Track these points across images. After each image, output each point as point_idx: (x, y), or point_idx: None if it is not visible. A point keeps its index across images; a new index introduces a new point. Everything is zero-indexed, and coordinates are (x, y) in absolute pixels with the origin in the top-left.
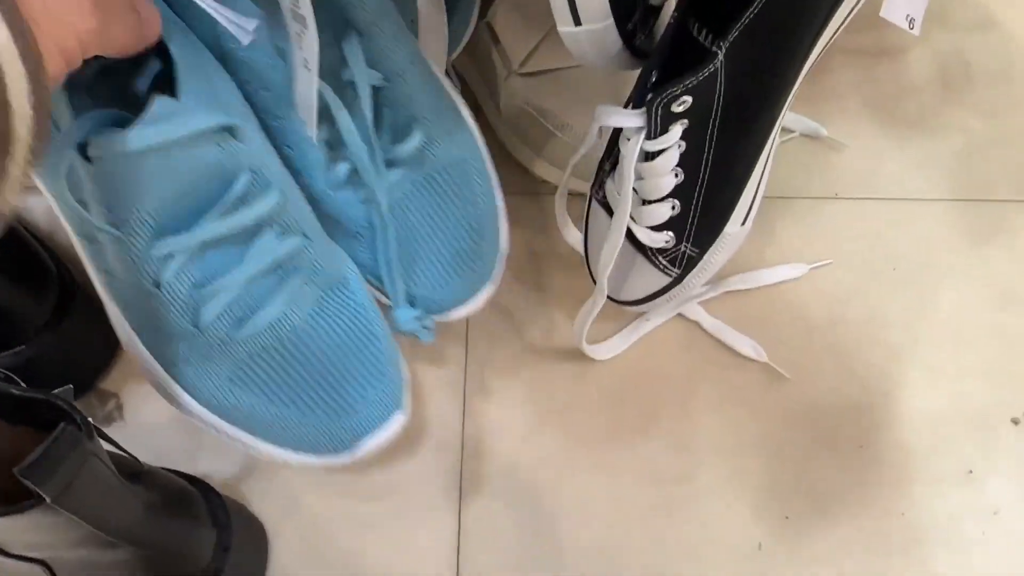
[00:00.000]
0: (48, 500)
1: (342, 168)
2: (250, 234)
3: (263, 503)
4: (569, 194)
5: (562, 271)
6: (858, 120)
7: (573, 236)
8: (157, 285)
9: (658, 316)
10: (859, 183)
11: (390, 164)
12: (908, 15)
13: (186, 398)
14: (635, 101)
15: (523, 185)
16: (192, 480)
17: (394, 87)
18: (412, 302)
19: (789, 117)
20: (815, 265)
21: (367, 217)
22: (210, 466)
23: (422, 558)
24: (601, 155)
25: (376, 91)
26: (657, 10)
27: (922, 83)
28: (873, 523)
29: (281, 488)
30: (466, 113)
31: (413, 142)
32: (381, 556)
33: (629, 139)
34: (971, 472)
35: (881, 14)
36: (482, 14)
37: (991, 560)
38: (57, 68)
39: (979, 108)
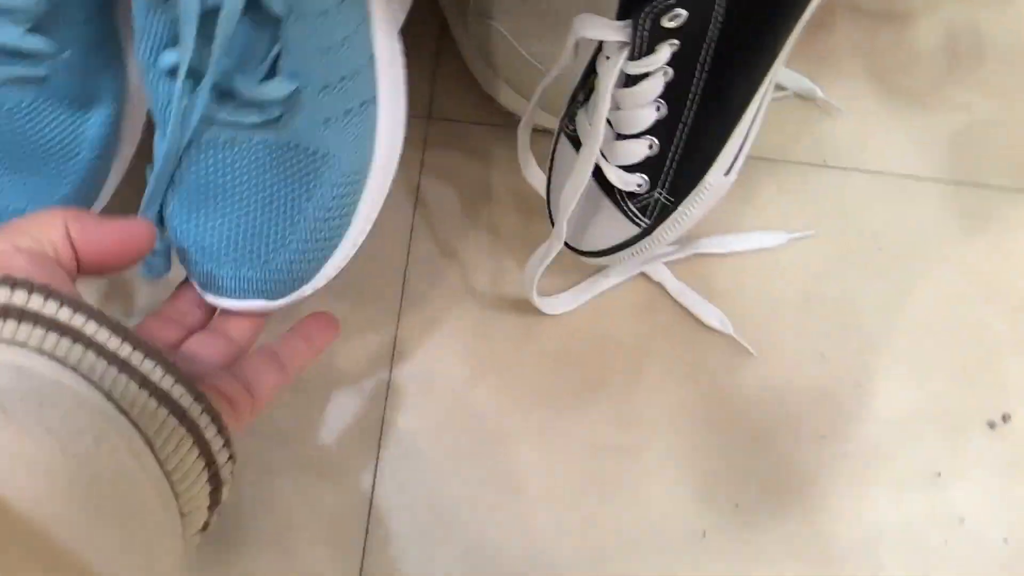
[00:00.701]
0: None
1: (167, 57)
2: None
3: None
4: (536, 131)
5: (519, 214)
6: (855, 85)
7: (535, 175)
8: None
9: (618, 273)
10: (850, 153)
11: (228, 96)
12: None
13: None
14: (619, 14)
15: (485, 115)
16: None
17: (298, 28)
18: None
19: (783, 73)
20: (794, 236)
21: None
22: None
23: (330, 516)
24: (576, 84)
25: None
26: None
27: (928, 53)
28: (827, 522)
29: None
30: (386, 120)
31: (274, 91)
32: (283, 508)
33: (608, 57)
34: (939, 475)
35: None
36: None
37: (950, 572)
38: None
39: (986, 87)
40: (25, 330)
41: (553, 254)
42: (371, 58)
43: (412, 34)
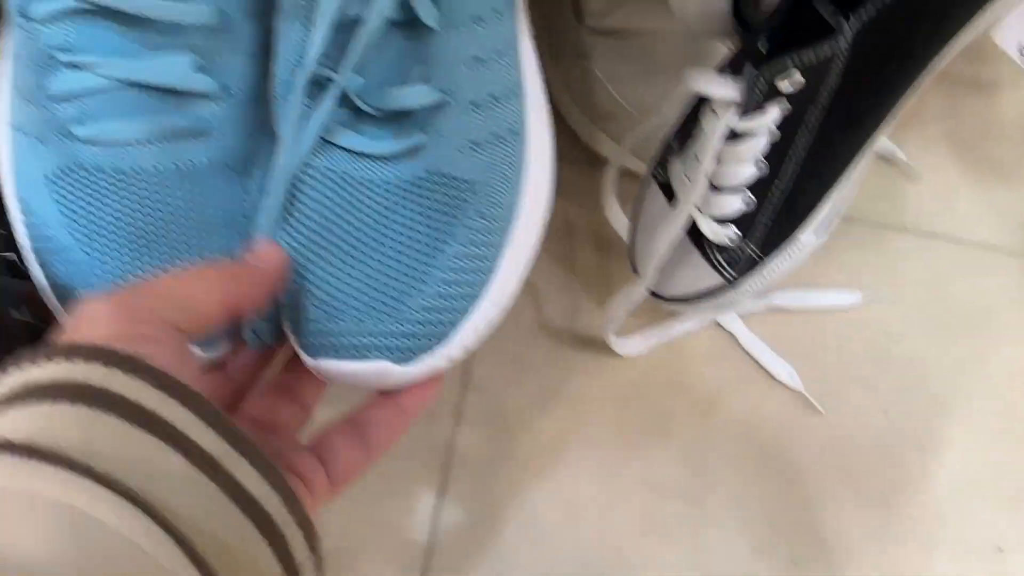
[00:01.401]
0: None
1: (299, 70)
2: (158, 35)
3: None
4: (621, 172)
5: (597, 251)
6: (938, 151)
7: (617, 216)
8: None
9: (693, 320)
10: (929, 218)
11: (362, 114)
12: (1021, 45)
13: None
14: (731, 69)
15: (569, 152)
16: None
17: (447, 36)
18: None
19: None
20: (869, 297)
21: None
22: None
23: (392, 535)
24: (669, 130)
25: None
26: None
27: (1012, 125)
28: None
29: None
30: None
31: (415, 98)
32: (348, 529)
33: (717, 113)
34: (1001, 550)
35: (994, 38)
36: None
37: None
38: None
39: None
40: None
41: (638, 300)
42: (519, 84)
43: None
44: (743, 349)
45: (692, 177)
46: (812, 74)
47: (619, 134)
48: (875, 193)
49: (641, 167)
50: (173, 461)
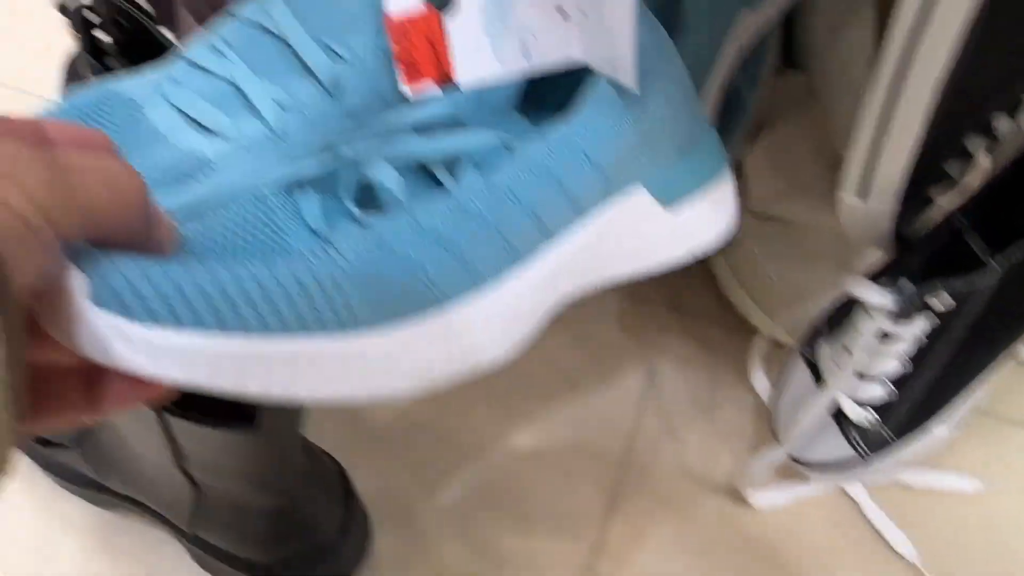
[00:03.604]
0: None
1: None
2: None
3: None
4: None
5: (737, 408)
6: None
7: (760, 382)
8: None
9: (821, 483)
10: None
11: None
12: None
13: None
14: (886, 279)
15: (720, 315)
16: (335, 462)
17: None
18: None
19: None
20: (991, 486)
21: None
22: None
23: None
24: (819, 315)
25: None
26: (932, 202)
27: None
28: None
29: (389, 487)
30: None
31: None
32: None
33: (871, 315)
34: None
35: None
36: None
37: None
38: (19, 242)
39: None
40: None
41: (777, 462)
42: None
43: None
44: (865, 517)
45: (840, 365)
46: (961, 298)
47: (770, 308)
48: (1006, 389)
49: (787, 338)
50: None
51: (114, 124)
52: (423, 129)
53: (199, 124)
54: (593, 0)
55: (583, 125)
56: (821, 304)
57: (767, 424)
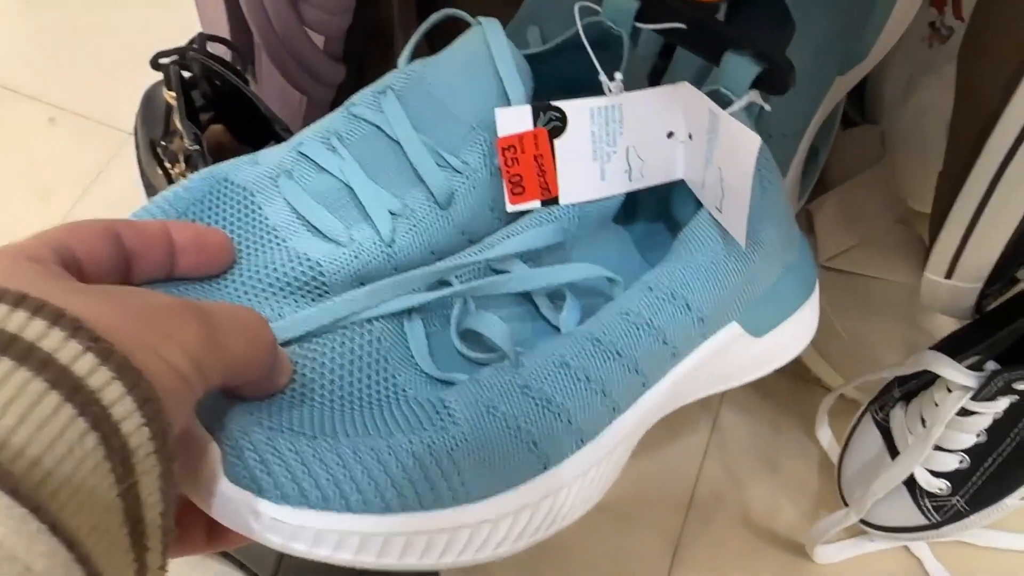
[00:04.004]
0: None
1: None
2: None
3: None
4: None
5: (802, 460)
6: None
7: (826, 436)
8: None
9: (886, 542)
10: None
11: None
12: None
13: None
14: (971, 360)
15: (788, 366)
16: None
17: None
18: None
19: None
20: None
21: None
22: None
23: None
24: (891, 375)
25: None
26: (1017, 281)
27: None
28: None
29: None
30: None
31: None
32: None
33: (951, 392)
34: None
35: None
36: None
37: None
38: (177, 400)
39: None
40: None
41: (844, 526)
42: None
43: None
44: (927, 574)
45: (916, 435)
46: None
47: (836, 360)
48: None
49: (855, 394)
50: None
51: (228, 217)
52: (529, 257)
53: (312, 226)
54: (718, 154)
55: (683, 272)
56: (889, 359)
57: (831, 479)
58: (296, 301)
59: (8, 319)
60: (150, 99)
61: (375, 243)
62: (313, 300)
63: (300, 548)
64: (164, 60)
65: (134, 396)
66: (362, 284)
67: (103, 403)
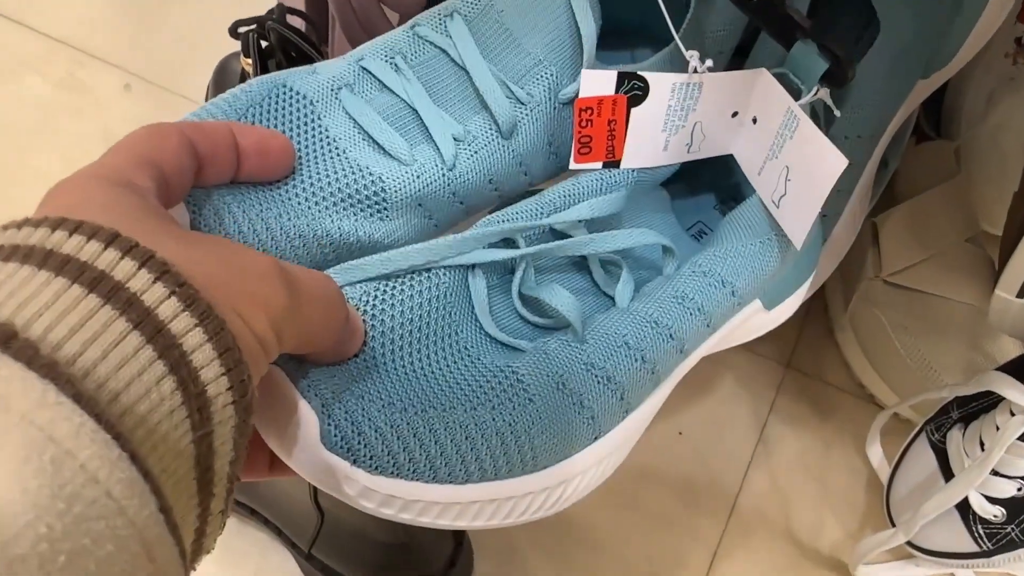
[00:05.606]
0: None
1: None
2: None
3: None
4: (877, 402)
5: (849, 476)
6: None
7: (876, 455)
8: None
9: (931, 568)
10: None
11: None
12: None
13: None
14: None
15: (839, 380)
16: None
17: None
18: None
19: None
20: None
21: None
22: None
23: None
24: (949, 394)
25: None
26: None
27: None
28: None
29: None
30: None
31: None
32: None
33: (1015, 416)
34: None
35: None
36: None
37: None
38: (254, 362)
39: None
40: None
41: (892, 545)
42: None
43: None
44: None
45: (974, 459)
46: None
47: (894, 380)
48: None
49: (909, 413)
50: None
51: (287, 122)
52: (588, 223)
53: (374, 140)
54: (789, 154)
55: (735, 260)
56: (947, 381)
57: (879, 498)
58: (355, 215)
59: (99, 257)
60: (223, 69)
61: (436, 165)
62: (371, 216)
63: (388, 513)
64: (243, 28)
65: (215, 344)
66: (420, 205)
67: (183, 348)
